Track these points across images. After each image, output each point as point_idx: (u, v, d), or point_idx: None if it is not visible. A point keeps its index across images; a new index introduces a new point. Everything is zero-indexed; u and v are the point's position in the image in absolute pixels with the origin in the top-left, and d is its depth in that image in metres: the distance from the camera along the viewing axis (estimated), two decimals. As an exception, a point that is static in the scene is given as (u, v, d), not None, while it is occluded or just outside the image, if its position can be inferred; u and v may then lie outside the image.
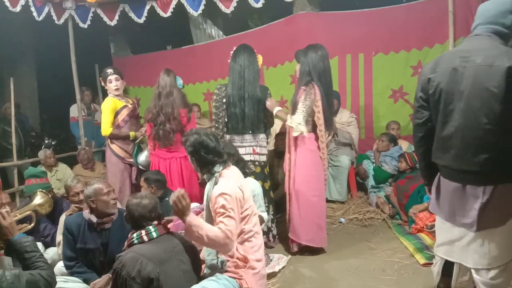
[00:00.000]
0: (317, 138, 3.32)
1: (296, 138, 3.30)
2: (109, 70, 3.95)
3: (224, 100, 3.44)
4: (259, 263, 2.29)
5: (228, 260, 2.24)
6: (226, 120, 3.47)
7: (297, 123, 3.19)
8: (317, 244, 3.36)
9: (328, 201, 4.76)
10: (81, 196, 3.00)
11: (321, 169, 3.37)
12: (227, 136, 3.50)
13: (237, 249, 2.22)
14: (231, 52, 3.50)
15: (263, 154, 3.51)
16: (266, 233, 3.46)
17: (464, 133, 1.86)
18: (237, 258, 2.23)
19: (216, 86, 3.59)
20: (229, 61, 3.50)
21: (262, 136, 3.52)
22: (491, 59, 1.77)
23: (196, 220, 2.08)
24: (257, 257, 2.28)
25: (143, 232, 2.13)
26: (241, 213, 2.22)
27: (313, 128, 3.31)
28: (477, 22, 1.96)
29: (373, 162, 4.72)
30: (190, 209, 2.09)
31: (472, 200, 1.90)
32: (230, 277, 2.19)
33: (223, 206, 2.10)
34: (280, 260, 3.26)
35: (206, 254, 2.25)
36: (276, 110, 3.37)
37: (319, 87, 3.21)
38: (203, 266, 2.38)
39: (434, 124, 2.01)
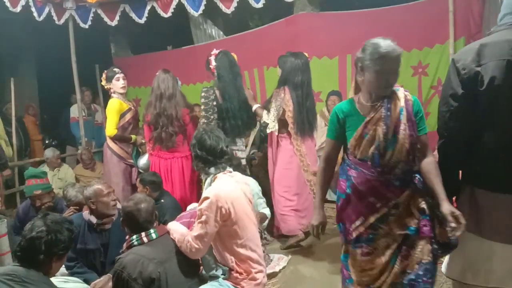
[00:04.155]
0: (290, 137, 3.44)
1: (272, 139, 3.53)
2: (116, 69, 3.94)
3: (215, 103, 3.43)
4: (260, 274, 2.30)
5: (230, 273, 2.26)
6: (221, 124, 3.45)
7: (271, 120, 3.37)
8: (283, 232, 3.54)
9: (328, 201, 4.75)
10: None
11: (294, 166, 3.44)
12: None
13: (237, 264, 2.23)
14: (211, 58, 3.51)
15: (243, 158, 3.64)
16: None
17: None
18: (237, 272, 2.24)
19: (202, 89, 3.53)
20: (212, 66, 3.50)
21: (242, 140, 3.67)
22: None
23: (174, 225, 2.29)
24: (258, 269, 2.29)
25: (143, 234, 2.13)
26: (232, 226, 2.19)
27: (286, 128, 3.43)
28: (504, 11, 1.74)
29: None
30: None
31: None
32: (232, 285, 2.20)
33: (201, 210, 2.12)
34: (280, 260, 3.26)
35: (205, 262, 2.27)
36: (255, 107, 3.53)
37: (290, 91, 3.34)
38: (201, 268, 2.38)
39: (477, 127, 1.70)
